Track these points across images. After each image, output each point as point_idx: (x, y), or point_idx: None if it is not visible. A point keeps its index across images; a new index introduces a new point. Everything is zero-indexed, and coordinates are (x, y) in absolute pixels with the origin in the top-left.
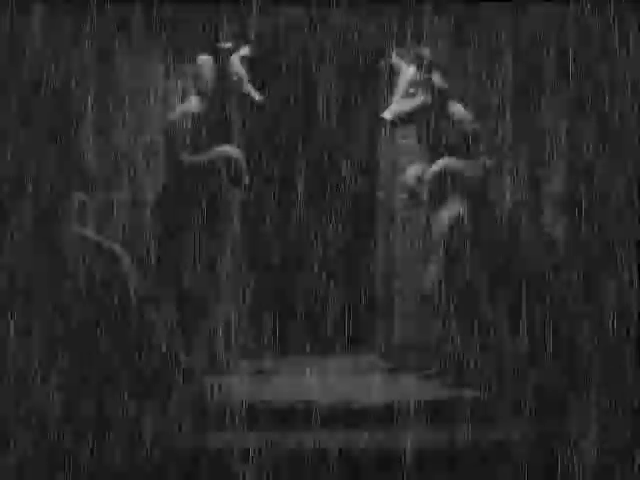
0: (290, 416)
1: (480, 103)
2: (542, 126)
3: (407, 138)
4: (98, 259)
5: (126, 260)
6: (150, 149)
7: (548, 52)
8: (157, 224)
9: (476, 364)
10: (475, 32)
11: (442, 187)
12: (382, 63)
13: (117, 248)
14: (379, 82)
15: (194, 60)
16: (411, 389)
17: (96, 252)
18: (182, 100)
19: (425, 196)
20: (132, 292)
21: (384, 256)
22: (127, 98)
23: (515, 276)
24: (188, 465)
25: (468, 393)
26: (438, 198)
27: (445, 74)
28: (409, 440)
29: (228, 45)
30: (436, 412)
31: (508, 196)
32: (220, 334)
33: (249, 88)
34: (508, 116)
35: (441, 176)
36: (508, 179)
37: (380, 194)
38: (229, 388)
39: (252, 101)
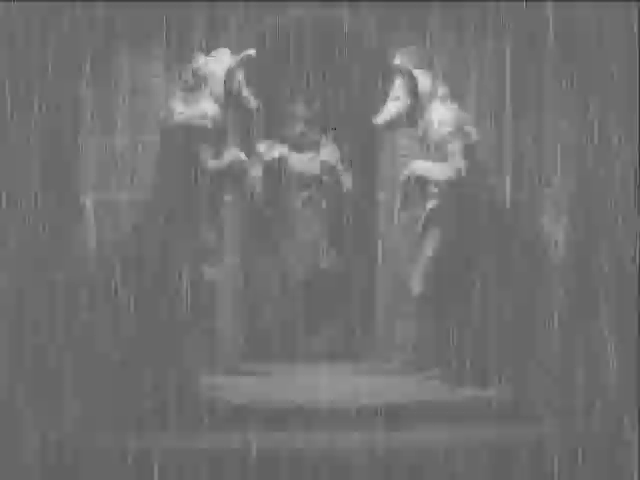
0: (289, 418)
1: (479, 103)
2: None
3: (406, 139)
4: None
5: None
6: (150, 149)
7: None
8: (157, 225)
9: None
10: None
11: (412, 190)
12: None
13: None
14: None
15: (196, 61)
16: (413, 390)
17: None
18: (186, 101)
19: (399, 200)
20: None
21: (384, 257)
22: (127, 98)
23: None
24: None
25: (470, 392)
26: (410, 201)
27: (432, 76)
28: (412, 441)
29: (252, 51)
30: (439, 413)
31: (507, 196)
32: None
33: (247, 92)
34: (508, 116)
35: (410, 179)
36: (507, 179)
37: (381, 195)
38: (226, 389)
39: (248, 105)
